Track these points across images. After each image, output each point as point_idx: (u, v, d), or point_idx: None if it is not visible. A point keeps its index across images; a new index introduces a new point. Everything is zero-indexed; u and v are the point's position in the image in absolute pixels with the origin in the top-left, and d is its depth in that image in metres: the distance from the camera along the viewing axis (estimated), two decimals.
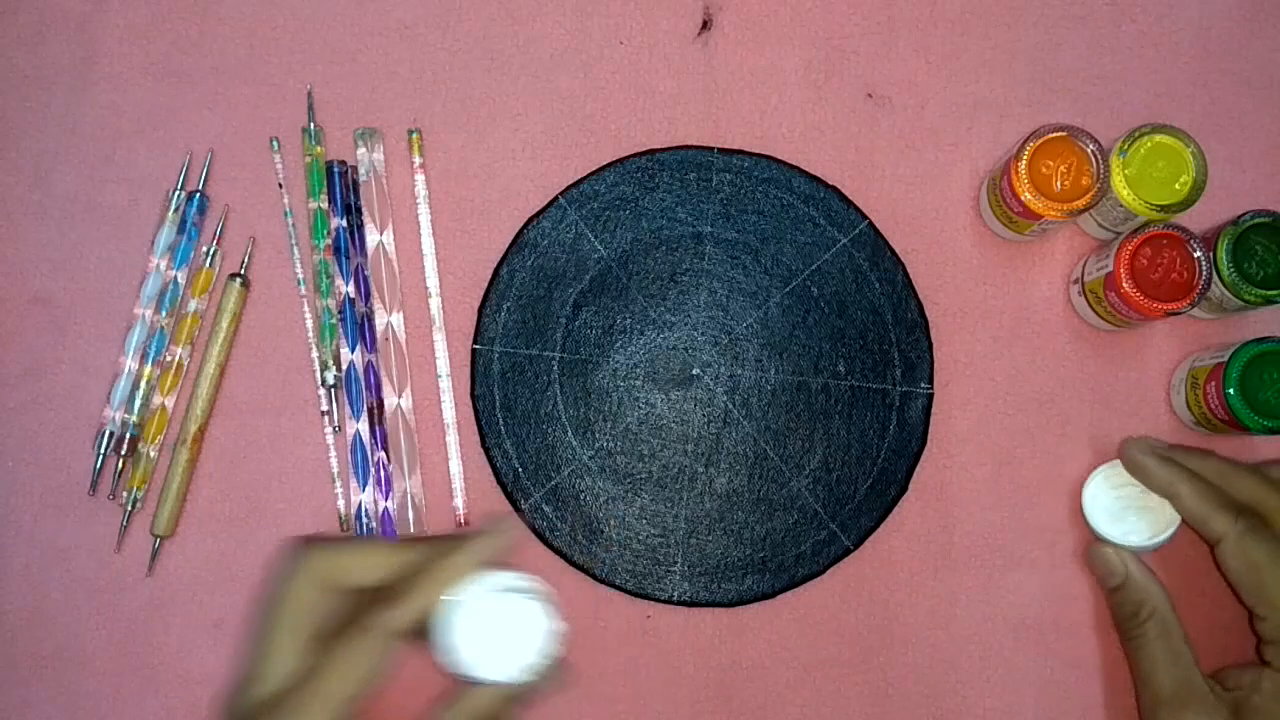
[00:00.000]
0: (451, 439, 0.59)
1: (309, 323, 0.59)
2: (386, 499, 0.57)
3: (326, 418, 0.58)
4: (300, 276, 0.59)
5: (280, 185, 0.60)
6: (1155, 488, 0.56)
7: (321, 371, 0.58)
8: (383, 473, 0.58)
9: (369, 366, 0.58)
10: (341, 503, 0.58)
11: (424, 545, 0.47)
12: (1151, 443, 0.57)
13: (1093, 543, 0.57)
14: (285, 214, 0.60)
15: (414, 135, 0.60)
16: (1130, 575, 0.56)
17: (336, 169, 0.59)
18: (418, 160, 0.60)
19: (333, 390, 0.58)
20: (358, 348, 0.59)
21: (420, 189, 0.60)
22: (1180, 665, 0.53)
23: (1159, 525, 0.56)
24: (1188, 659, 0.54)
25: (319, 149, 0.60)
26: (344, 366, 0.58)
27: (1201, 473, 0.55)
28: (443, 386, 0.59)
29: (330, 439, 0.58)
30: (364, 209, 0.60)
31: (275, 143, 0.60)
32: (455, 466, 0.58)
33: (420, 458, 0.59)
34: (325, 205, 0.59)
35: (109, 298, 0.59)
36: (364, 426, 0.58)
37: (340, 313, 0.59)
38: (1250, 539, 0.52)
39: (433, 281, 0.59)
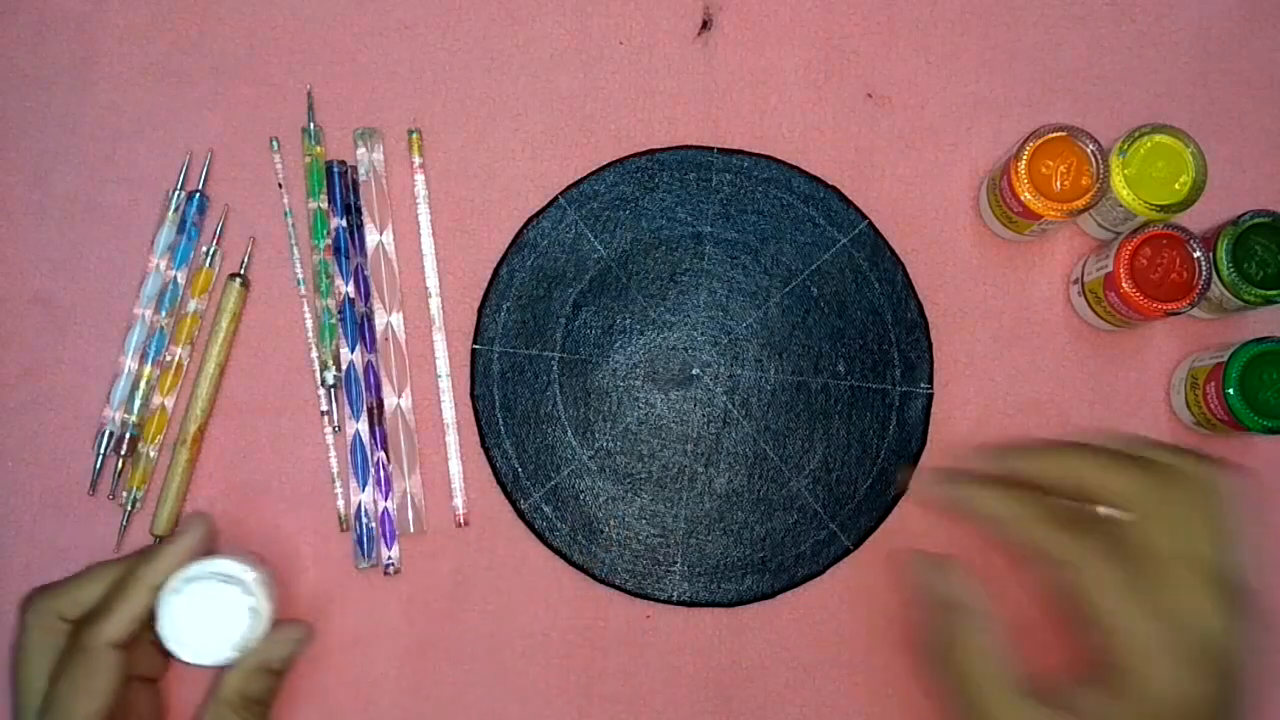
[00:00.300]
0: (451, 439, 0.59)
1: (309, 323, 0.59)
2: (386, 499, 0.57)
3: (326, 418, 0.58)
4: (300, 277, 0.59)
5: (280, 185, 0.60)
6: (981, 518, 0.48)
7: (321, 371, 0.58)
8: (382, 473, 0.58)
9: (369, 366, 0.58)
10: (341, 503, 0.58)
11: (132, 557, 0.51)
12: (939, 471, 0.51)
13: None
14: (285, 214, 0.60)
15: (414, 135, 0.60)
16: (953, 589, 0.49)
17: (336, 169, 0.59)
18: (417, 160, 0.60)
19: (332, 390, 0.58)
20: (357, 348, 0.59)
21: (420, 189, 0.60)
22: (998, 701, 0.45)
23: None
24: (1007, 698, 0.45)
25: (319, 149, 0.60)
26: (344, 366, 0.58)
27: (1017, 475, 0.48)
28: (442, 386, 0.59)
29: (330, 439, 0.58)
30: (364, 209, 0.60)
31: (275, 143, 0.60)
32: (455, 467, 0.58)
33: (420, 458, 0.59)
34: (325, 205, 0.59)
35: (109, 298, 0.59)
36: (364, 426, 0.58)
37: (340, 313, 0.59)
38: (1107, 565, 0.44)
39: (432, 281, 0.59)
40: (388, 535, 0.57)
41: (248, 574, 0.51)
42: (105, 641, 0.48)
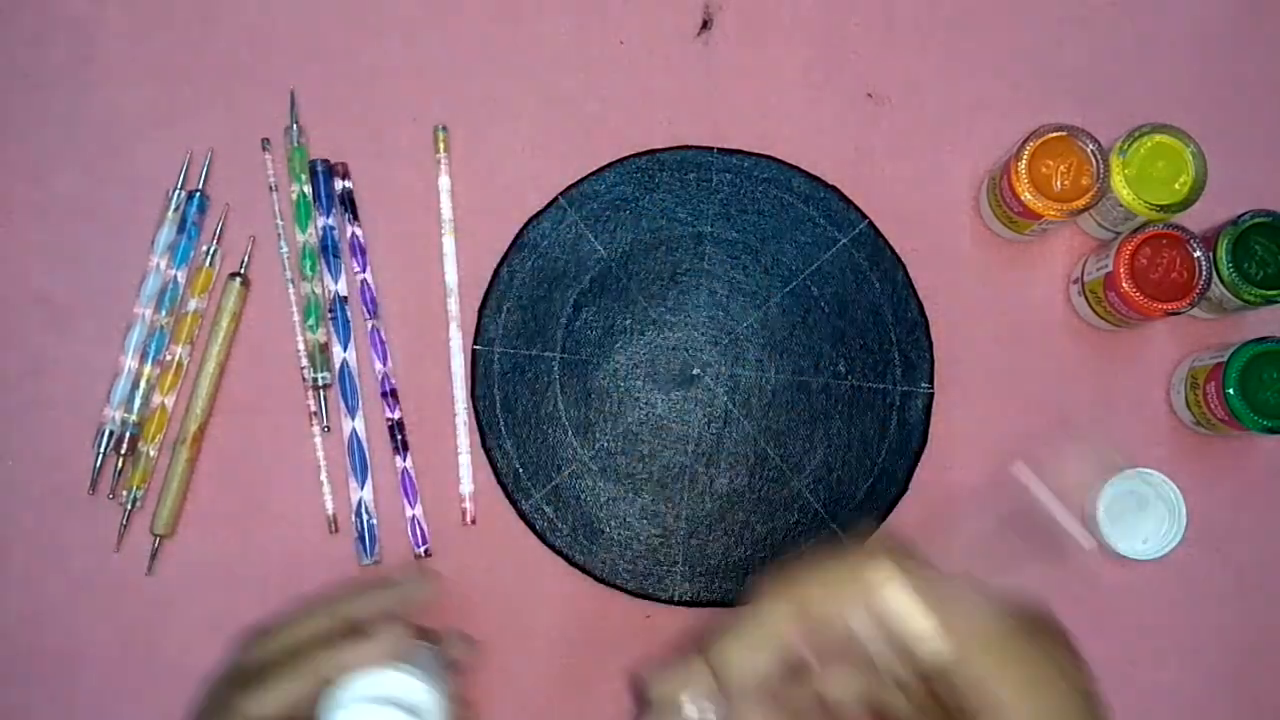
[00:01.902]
0: (463, 438, 0.59)
1: (295, 317, 0.59)
2: (414, 506, 0.58)
3: (315, 419, 0.58)
4: (289, 277, 0.59)
5: (272, 187, 0.60)
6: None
7: (310, 369, 0.58)
8: (409, 482, 0.58)
9: (380, 342, 0.58)
10: (330, 504, 0.58)
11: (342, 608, 0.48)
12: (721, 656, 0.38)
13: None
14: (275, 215, 0.60)
15: (440, 132, 0.60)
16: None
17: (320, 166, 0.59)
18: (442, 157, 0.60)
19: (322, 391, 0.58)
20: (350, 346, 0.59)
21: (444, 184, 0.60)
22: None
23: (1163, 534, 0.56)
24: None
25: (304, 140, 0.60)
26: (337, 365, 0.58)
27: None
28: (456, 385, 0.59)
29: (317, 439, 0.58)
30: (356, 206, 0.60)
31: (265, 143, 0.60)
32: (465, 465, 0.58)
33: (422, 457, 0.59)
34: (308, 191, 0.59)
35: (109, 297, 0.59)
36: (360, 425, 0.58)
37: (331, 311, 0.59)
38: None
39: (451, 278, 0.59)
40: (418, 537, 0.58)
41: (431, 705, 0.45)
42: (244, 716, 0.44)
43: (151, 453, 0.57)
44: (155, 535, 0.57)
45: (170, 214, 0.59)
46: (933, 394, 0.59)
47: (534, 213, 0.60)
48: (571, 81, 0.61)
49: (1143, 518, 0.57)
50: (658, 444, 0.59)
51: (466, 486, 0.58)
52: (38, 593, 0.57)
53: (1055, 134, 0.55)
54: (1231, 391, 0.54)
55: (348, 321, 0.59)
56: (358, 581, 0.52)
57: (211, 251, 0.59)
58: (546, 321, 0.59)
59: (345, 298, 0.59)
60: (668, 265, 0.60)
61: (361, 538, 0.57)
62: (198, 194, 0.59)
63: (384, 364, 0.59)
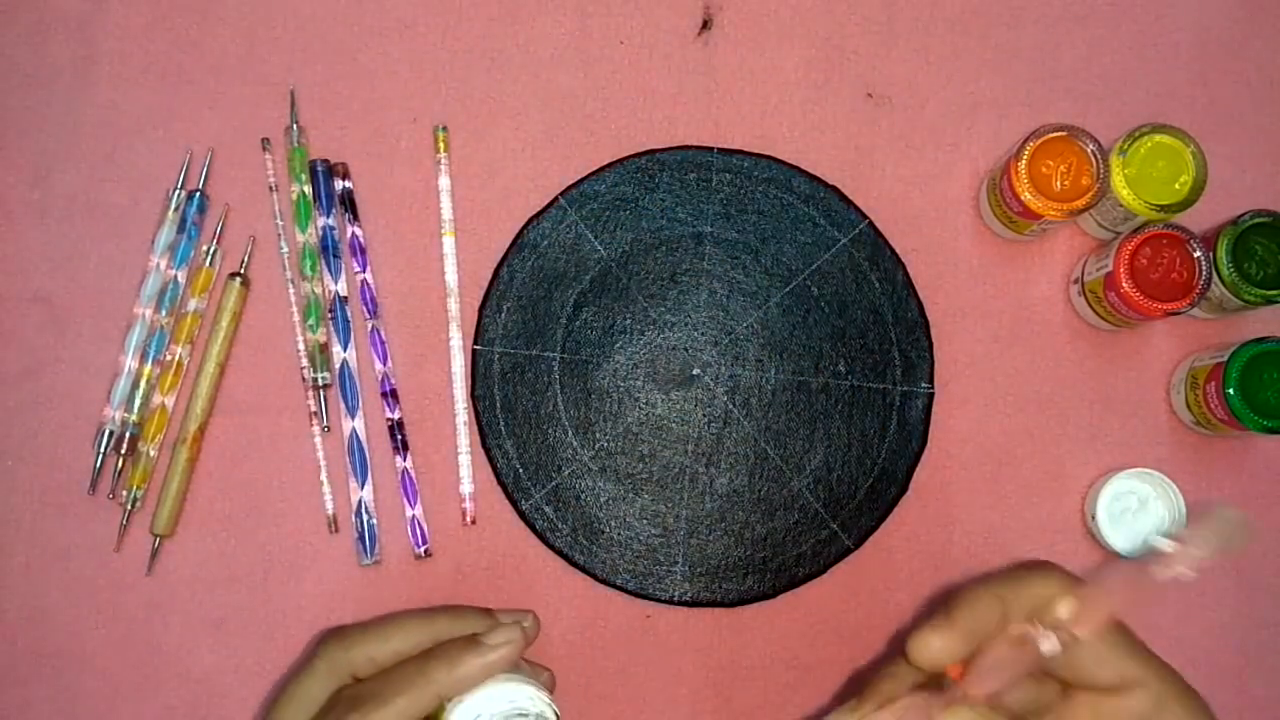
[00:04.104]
0: (463, 438, 0.59)
1: (295, 316, 0.59)
2: (414, 506, 0.58)
3: (315, 418, 0.58)
4: (289, 277, 0.59)
5: (272, 187, 0.60)
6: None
7: (311, 368, 0.58)
8: (409, 482, 0.58)
9: (380, 341, 0.58)
10: (330, 505, 0.58)
11: (434, 616, 0.47)
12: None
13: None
14: (275, 216, 0.60)
15: (440, 132, 0.60)
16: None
17: (320, 166, 0.59)
18: (443, 157, 0.60)
19: (322, 391, 0.58)
20: (350, 346, 0.59)
21: (445, 184, 0.60)
22: None
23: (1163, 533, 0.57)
24: None
25: (303, 140, 0.60)
26: (337, 365, 0.58)
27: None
28: (456, 385, 0.59)
29: (317, 439, 0.58)
30: (356, 206, 0.60)
31: (265, 143, 0.60)
32: (465, 464, 0.58)
33: (420, 458, 0.59)
34: (308, 191, 0.59)
35: (109, 297, 0.59)
36: (360, 425, 0.58)
37: (331, 311, 0.59)
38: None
39: (451, 278, 0.59)
40: (418, 538, 0.58)
41: (552, 716, 0.46)
42: None
43: (151, 453, 0.57)
44: (155, 535, 0.57)
45: (170, 214, 0.59)
46: (933, 394, 0.59)
47: (534, 213, 0.60)
48: (571, 81, 0.61)
49: (1143, 518, 0.57)
50: (658, 444, 0.59)
51: (466, 486, 0.58)
52: (37, 592, 0.57)
53: (1055, 134, 0.55)
54: (1231, 391, 0.54)
55: (348, 321, 0.59)
56: (451, 607, 0.51)
57: (211, 251, 0.59)
58: (546, 321, 0.59)
59: (345, 298, 0.59)
60: (668, 265, 0.60)
61: (361, 538, 0.57)
62: (198, 194, 0.59)
63: (384, 364, 0.59)
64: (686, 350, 0.59)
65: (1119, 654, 0.42)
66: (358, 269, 0.59)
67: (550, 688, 0.50)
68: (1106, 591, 0.40)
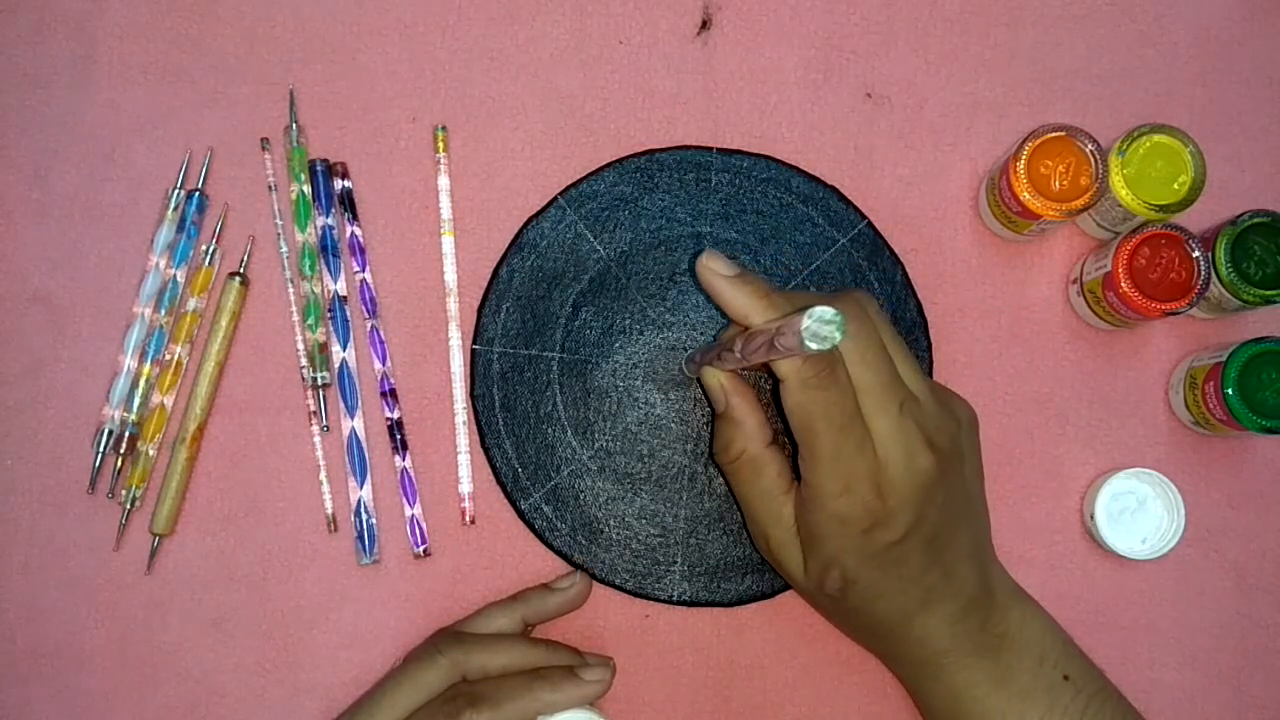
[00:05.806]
0: (462, 440, 0.59)
1: (295, 316, 0.59)
2: (413, 505, 0.58)
3: (314, 418, 0.58)
4: (288, 276, 0.59)
5: (272, 187, 0.60)
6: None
7: (310, 369, 0.58)
8: (408, 481, 0.58)
9: (379, 342, 0.59)
10: (329, 504, 0.58)
11: (539, 653, 0.53)
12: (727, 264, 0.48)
13: (706, 364, 0.51)
14: (275, 215, 0.60)
15: (440, 132, 0.60)
16: (729, 407, 0.51)
17: (320, 166, 0.59)
18: (442, 157, 0.60)
19: (322, 390, 0.58)
20: (349, 346, 0.59)
21: (444, 184, 0.60)
22: (765, 505, 0.51)
23: (1162, 533, 0.57)
24: (776, 502, 0.51)
25: (303, 140, 0.60)
26: (336, 365, 0.58)
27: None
28: (455, 384, 0.59)
29: (316, 438, 0.58)
30: (356, 206, 0.60)
31: (265, 143, 0.60)
32: (464, 464, 0.58)
33: (419, 457, 0.59)
34: (308, 191, 0.59)
35: (108, 296, 0.59)
36: (359, 424, 0.58)
37: (330, 311, 0.59)
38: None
39: (451, 277, 0.59)
40: (417, 537, 0.58)
41: None
42: None
43: (151, 452, 0.58)
44: (154, 534, 0.57)
45: (170, 213, 0.59)
46: None
47: (533, 213, 0.60)
48: (571, 81, 0.61)
49: (1142, 517, 0.57)
50: (657, 444, 0.59)
51: (465, 486, 0.58)
52: (37, 591, 0.58)
53: (1054, 134, 0.55)
54: (1230, 391, 0.54)
55: (347, 321, 0.59)
56: (548, 641, 0.55)
57: (211, 251, 0.59)
58: (545, 321, 0.59)
59: (345, 297, 0.59)
60: (667, 265, 0.60)
61: (361, 537, 0.57)
62: (197, 193, 0.59)
63: (383, 364, 0.59)
64: (686, 350, 0.59)
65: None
66: (357, 269, 0.59)
67: (610, 680, 0.54)
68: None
